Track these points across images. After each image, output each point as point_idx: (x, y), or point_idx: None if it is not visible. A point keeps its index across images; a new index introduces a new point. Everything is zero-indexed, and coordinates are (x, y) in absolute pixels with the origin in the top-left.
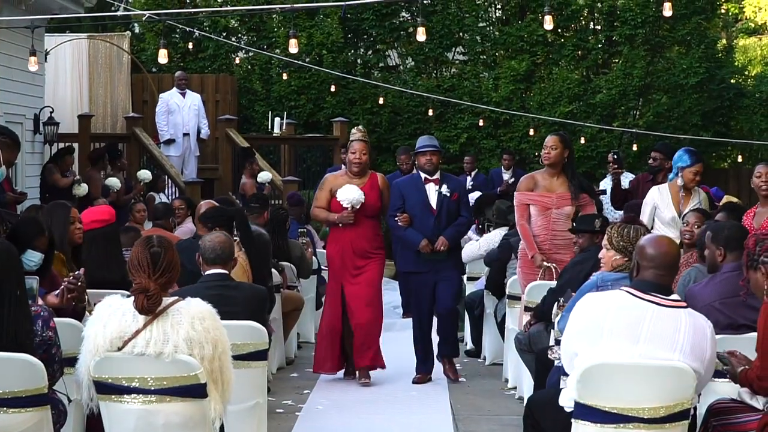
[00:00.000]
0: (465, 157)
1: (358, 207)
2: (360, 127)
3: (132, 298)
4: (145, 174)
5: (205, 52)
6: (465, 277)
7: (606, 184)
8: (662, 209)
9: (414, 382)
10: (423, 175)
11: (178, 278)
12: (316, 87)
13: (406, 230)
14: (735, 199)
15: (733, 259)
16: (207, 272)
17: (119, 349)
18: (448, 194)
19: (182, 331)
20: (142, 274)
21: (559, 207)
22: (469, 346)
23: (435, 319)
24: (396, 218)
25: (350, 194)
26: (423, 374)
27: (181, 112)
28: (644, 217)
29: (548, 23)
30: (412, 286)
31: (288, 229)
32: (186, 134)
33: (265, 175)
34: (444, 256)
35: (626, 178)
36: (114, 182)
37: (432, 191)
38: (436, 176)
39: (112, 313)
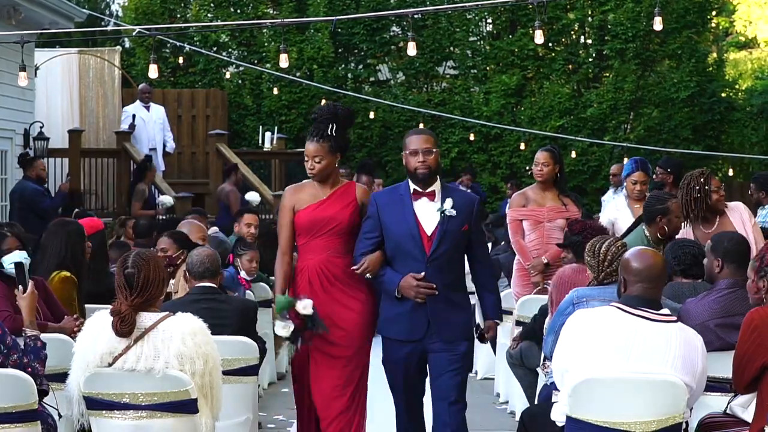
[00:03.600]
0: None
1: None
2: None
3: None
4: (166, 199)
5: (195, 67)
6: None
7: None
8: (622, 225)
9: None
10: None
11: None
12: (306, 101)
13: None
14: None
15: (729, 273)
16: (196, 285)
17: (110, 364)
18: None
19: (173, 346)
20: (120, 296)
21: (551, 220)
22: None
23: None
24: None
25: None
26: None
27: (146, 126)
28: None
29: (539, 37)
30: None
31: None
32: (153, 149)
33: (252, 196)
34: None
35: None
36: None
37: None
38: (433, 188)
39: (102, 328)
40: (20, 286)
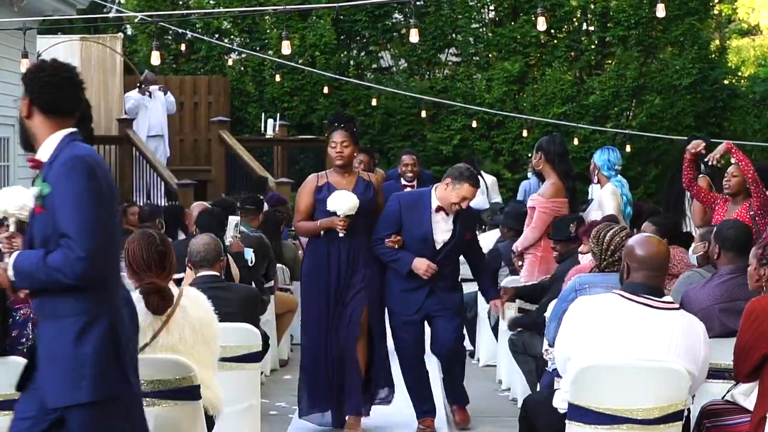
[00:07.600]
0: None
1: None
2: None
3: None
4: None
5: (197, 54)
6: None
7: None
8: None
9: None
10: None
11: None
12: (308, 88)
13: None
14: None
15: (728, 261)
16: (198, 275)
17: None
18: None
19: (194, 313)
20: (150, 274)
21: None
22: (469, 347)
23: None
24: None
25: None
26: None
27: (148, 114)
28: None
29: (541, 24)
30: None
31: (282, 231)
32: (155, 136)
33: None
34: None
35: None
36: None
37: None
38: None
39: None
40: None
